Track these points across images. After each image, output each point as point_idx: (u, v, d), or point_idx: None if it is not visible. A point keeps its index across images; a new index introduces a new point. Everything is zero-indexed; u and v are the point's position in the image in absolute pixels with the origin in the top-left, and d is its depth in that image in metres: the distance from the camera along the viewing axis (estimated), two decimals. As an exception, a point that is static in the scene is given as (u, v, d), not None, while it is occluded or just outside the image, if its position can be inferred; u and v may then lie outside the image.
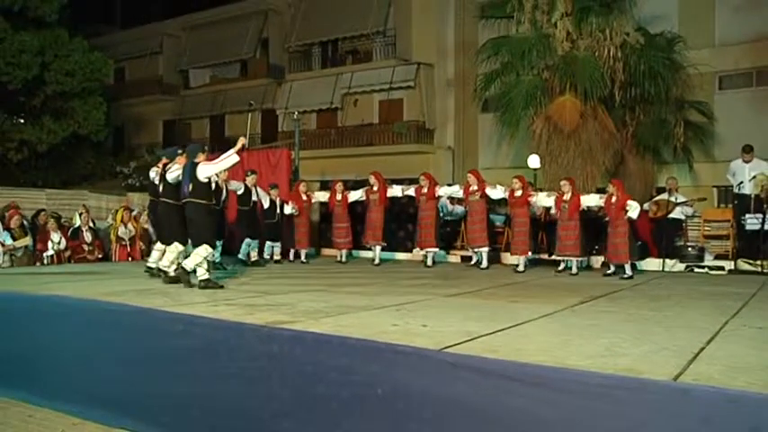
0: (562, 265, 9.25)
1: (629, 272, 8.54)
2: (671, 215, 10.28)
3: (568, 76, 11.82)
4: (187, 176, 6.66)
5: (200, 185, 6.64)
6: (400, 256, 11.88)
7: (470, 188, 9.73)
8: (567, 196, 8.98)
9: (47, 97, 19.26)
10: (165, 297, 5.81)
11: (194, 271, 6.60)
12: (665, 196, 10.53)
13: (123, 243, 11.17)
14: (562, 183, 9.24)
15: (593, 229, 10.04)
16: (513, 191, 9.40)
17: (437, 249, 10.15)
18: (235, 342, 4.36)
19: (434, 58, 20.45)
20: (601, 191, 12.15)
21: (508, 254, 10.12)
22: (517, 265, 9.36)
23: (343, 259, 10.62)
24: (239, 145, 6.84)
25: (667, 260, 9.86)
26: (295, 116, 14.76)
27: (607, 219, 9.04)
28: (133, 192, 17.22)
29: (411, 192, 10.30)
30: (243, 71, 24.77)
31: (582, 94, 11.69)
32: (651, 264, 10.00)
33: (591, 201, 9.18)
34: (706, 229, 10.86)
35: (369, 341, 3.90)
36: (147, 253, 11.62)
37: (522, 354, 3.59)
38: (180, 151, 7.16)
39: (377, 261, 10.29)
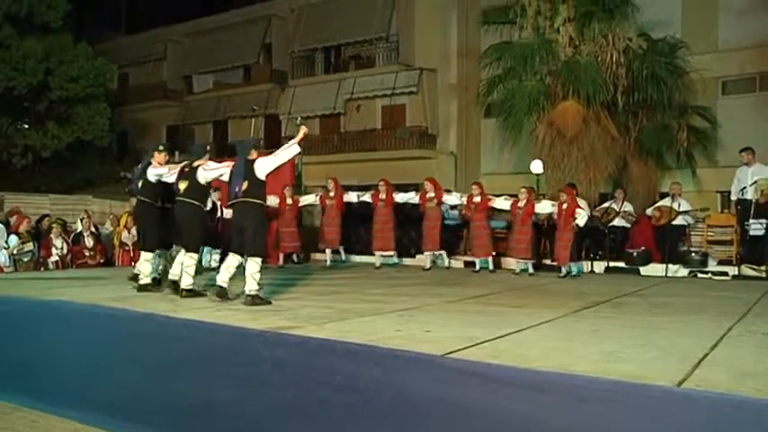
0: (518, 268, 9.70)
1: (564, 271, 9.14)
2: (674, 221, 10.25)
3: (571, 81, 11.84)
4: (240, 174, 5.96)
5: (258, 184, 5.97)
6: (406, 261, 11.87)
7: (427, 195, 10.03)
8: (521, 203, 9.40)
9: (51, 103, 19.35)
10: (169, 302, 5.82)
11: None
12: (667, 202, 10.49)
13: (126, 248, 11.18)
14: (521, 190, 9.65)
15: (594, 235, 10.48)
16: (471, 197, 9.83)
17: (393, 253, 10.48)
18: (238, 347, 4.36)
19: (437, 64, 20.48)
20: (603, 196, 12.18)
21: (509, 259, 10.29)
22: (475, 267, 9.90)
23: (295, 259, 10.89)
24: (301, 134, 6.14)
25: (671, 265, 9.83)
26: (298, 121, 14.73)
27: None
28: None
29: (367, 198, 10.55)
30: (246, 77, 24.83)
31: (585, 99, 11.70)
32: (654, 269, 9.98)
33: (544, 208, 9.58)
34: (710, 234, 10.83)
35: (372, 347, 3.90)
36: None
37: (525, 359, 3.59)
38: (208, 148, 6.69)
39: (329, 263, 10.58)
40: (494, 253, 10.08)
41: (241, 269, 6.00)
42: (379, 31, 20.94)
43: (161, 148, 7.00)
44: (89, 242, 11.01)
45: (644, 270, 10.00)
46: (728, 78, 15.86)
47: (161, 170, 6.81)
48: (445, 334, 4.38)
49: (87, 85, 19.13)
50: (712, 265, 9.90)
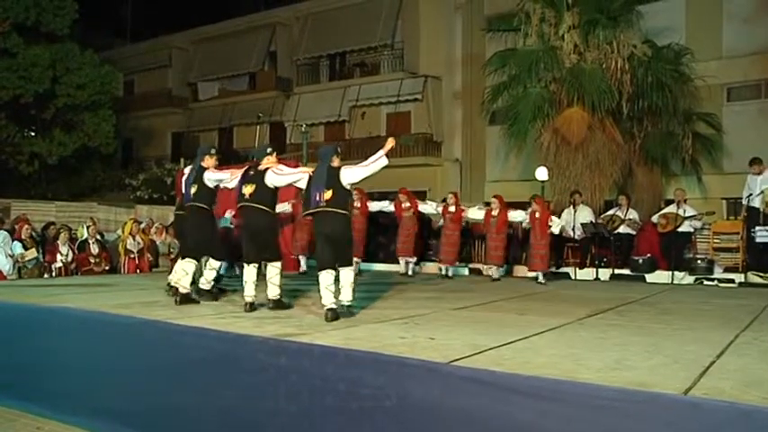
0: (487, 272, 9.96)
1: (542, 279, 9.15)
2: (679, 228, 10.22)
3: (576, 88, 11.85)
4: (322, 182, 5.53)
5: (342, 193, 5.55)
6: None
7: (403, 205, 10.15)
8: (495, 212, 9.60)
9: (57, 110, 19.49)
10: (173, 309, 5.82)
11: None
12: (672, 209, 10.45)
13: (132, 255, 11.20)
14: (492, 200, 9.82)
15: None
16: (446, 206, 10.03)
17: (359, 260, 10.16)
18: (242, 355, 4.35)
19: (442, 71, 20.53)
20: (609, 203, 12.15)
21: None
22: (446, 274, 10.06)
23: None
24: (389, 146, 5.71)
25: (676, 273, 9.80)
26: (303, 128, 14.82)
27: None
28: (142, 204, 17.33)
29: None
30: (251, 84, 24.96)
31: (589, 106, 11.71)
32: (660, 276, 9.94)
33: (517, 216, 9.80)
34: (716, 241, 10.78)
35: (376, 354, 3.89)
36: (156, 265, 11.70)
37: (530, 367, 3.57)
38: (269, 150, 6.08)
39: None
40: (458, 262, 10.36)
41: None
42: (384, 39, 21.01)
43: (212, 151, 6.50)
44: (94, 249, 11.03)
45: (649, 277, 9.97)
46: (733, 85, 15.86)
47: (222, 175, 6.28)
48: (450, 341, 4.36)
49: (93, 92, 19.27)
50: (718, 273, 9.87)
